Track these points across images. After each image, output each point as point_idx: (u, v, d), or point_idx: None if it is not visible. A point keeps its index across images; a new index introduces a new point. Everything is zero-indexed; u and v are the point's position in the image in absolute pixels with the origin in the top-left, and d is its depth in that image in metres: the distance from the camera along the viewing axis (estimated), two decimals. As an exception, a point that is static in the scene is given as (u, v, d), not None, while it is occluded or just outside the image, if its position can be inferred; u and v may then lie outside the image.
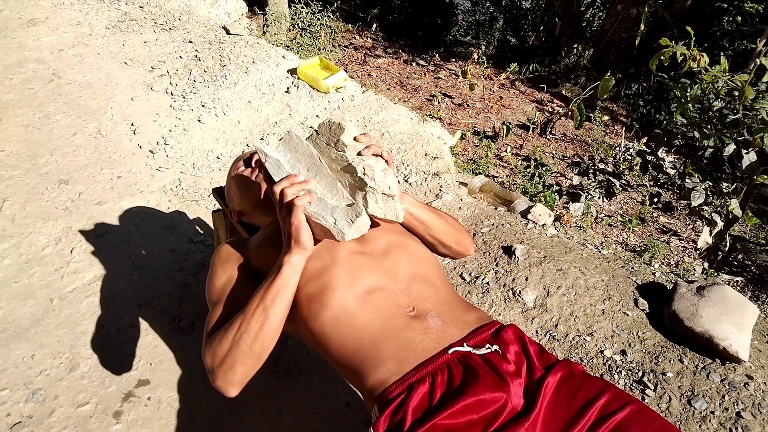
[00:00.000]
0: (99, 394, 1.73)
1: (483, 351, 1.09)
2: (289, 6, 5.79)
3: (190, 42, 4.02)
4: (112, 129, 3.06)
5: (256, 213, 1.43)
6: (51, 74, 3.44)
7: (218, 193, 1.89)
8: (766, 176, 2.73)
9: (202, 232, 2.49)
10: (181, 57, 3.83)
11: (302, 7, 5.64)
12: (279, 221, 1.16)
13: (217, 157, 3.03)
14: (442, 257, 1.51)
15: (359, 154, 1.16)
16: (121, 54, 3.79)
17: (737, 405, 1.82)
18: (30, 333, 1.90)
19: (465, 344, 1.10)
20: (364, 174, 1.13)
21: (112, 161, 2.82)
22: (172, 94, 3.45)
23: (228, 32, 4.24)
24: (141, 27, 4.16)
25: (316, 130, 1.21)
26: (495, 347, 1.10)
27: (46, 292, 2.06)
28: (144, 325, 1.99)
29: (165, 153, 2.95)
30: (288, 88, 3.66)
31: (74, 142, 2.90)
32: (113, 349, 1.88)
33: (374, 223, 1.23)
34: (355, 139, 1.18)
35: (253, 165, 1.45)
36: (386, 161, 1.19)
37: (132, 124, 3.12)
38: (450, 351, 1.08)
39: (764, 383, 1.91)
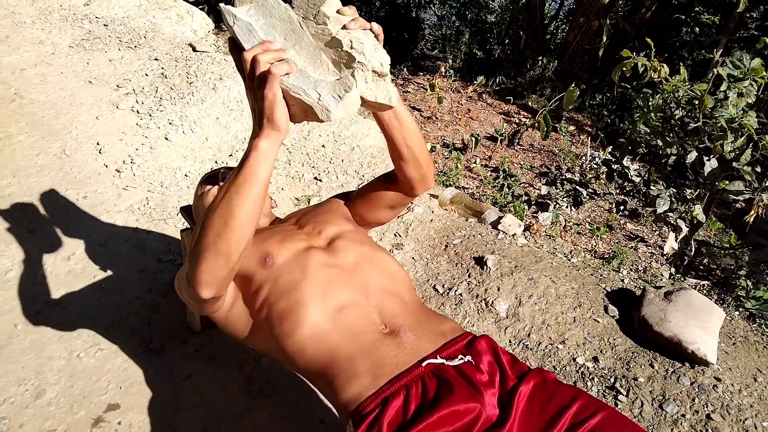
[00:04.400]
0: (67, 420, 1.69)
1: (456, 362, 1.09)
2: (256, 22, 5.79)
3: (156, 60, 3.99)
4: (77, 149, 3.01)
5: None
6: (13, 94, 3.37)
7: (186, 211, 1.87)
8: (727, 182, 2.80)
9: (171, 251, 2.45)
10: (147, 75, 3.79)
11: (269, 24, 5.64)
12: (248, 98, 1.00)
13: (186, 175, 3.00)
14: (405, 186, 1.38)
15: (344, 27, 0.99)
16: (85, 73, 3.73)
17: (707, 407, 1.86)
18: (-7, 360, 1.84)
19: (438, 356, 1.10)
20: (352, 48, 0.97)
21: (78, 181, 2.77)
22: (138, 112, 3.41)
23: (194, 49, 4.21)
24: (106, 45, 4.11)
25: (290, 2, 1.01)
26: (468, 358, 1.11)
27: (10, 317, 2.00)
28: (113, 347, 1.95)
29: (132, 172, 2.91)
30: (256, 104, 3.65)
31: (38, 162, 2.84)
32: (81, 373, 1.84)
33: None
34: (338, 11, 1.00)
35: (221, 183, 1.43)
36: (376, 36, 1.03)
37: (97, 144, 3.07)
38: (424, 364, 1.08)
39: (732, 385, 1.95)
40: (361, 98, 0.99)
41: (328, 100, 0.94)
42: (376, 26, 1.03)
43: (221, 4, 1.00)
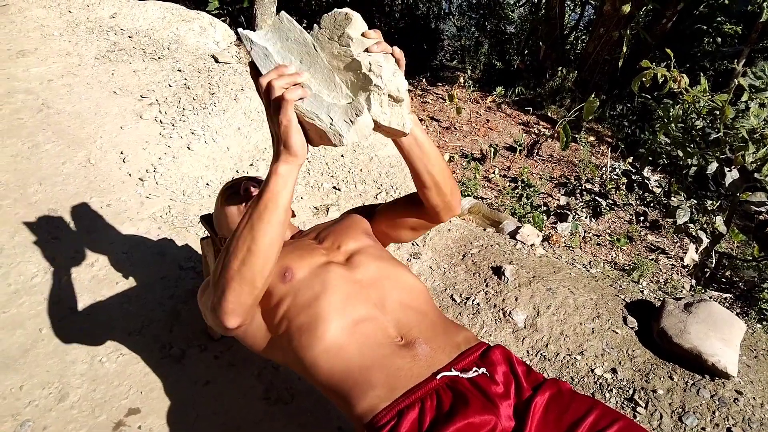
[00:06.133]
0: (89, 424, 1.72)
1: (471, 374, 1.09)
2: (277, 34, 5.86)
3: (179, 71, 4.06)
4: (102, 158, 3.07)
5: None
6: (40, 104, 3.46)
7: (206, 220, 1.89)
8: (749, 193, 2.77)
9: (192, 258, 2.49)
10: (170, 85, 3.86)
11: (290, 35, 5.71)
12: (268, 123, 1.02)
13: (207, 184, 3.04)
14: (430, 212, 1.37)
15: (366, 50, 0.99)
16: (110, 83, 3.81)
17: (727, 421, 1.83)
18: (18, 363, 1.88)
19: (453, 369, 1.10)
20: (370, 70, 0.97)
21: (102, 189, 2.83)
22: (161, 122, 3.47)
23: (217, 60, 4.28)
24: (130, 56, 4.19)
25: (317, 23, 1.01)
26: (482, 370, 1.11)
27: (35, 322, 2.05)
28: (134, 353, 1.98)
29: (154, 180, 2.96)
30: (277, 115, 3.69)
31: (63, 171, 2.91)
32: (103, 378, 1.87)
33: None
34: (362, 35, 0.99)
35: (242, 192, 1.45)
36: (397, 60, 1.04)
37: (121, 153, 3.13)
38: (438, 376, 1.08)
39: (753, 398, 1.92)
40: (375, 122, 0.99)
41: (340, 124, 0.95)
42: (398, 51, 1.04)
43: (239, 30, 1.01)
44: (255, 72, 1.00)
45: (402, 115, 1.04)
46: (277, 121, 0.96)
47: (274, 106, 0.96)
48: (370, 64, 0.97)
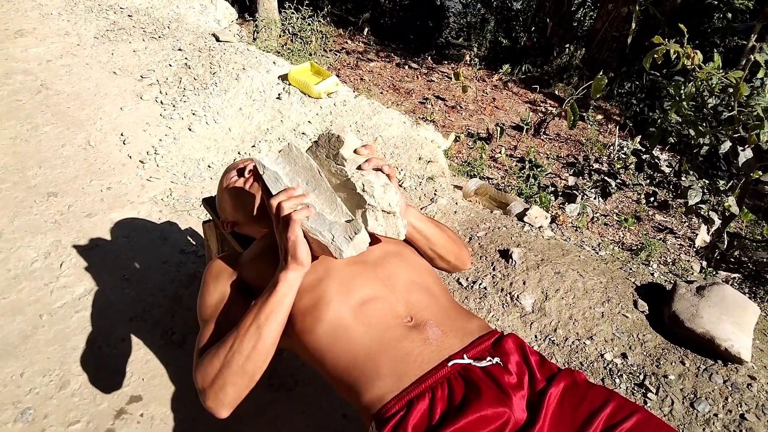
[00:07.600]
0: (90, 412, 1.69)
1: (484, 363, 1.05)
2: (280, 12, 5.76)
3: (180, 50, 3.99)
4: (102, 139, 3.02)
5: (250, 224, 1.40)
6: (39, 85, 3.40)
7: (209, 203, 1.85)
8: (761, 172, 2.71)
9: (194, 242, 2.45)
10: (170, 65, 3.80)
11: (292, 13, 5.62)
12: (276, 235, 1.11)
13: (209, 166, 2.99)
14: (439, 269, 1.47)
15: (359, 168, 1.12)
16: (110, 63, 3.75)
17: (741, 407, 1.80)
18: (19, 350, 1.86)
19: (465, 356, 1.06)
20: (363, 191, 1.10)
21: (102, 172, 2.79)
22: (161, 102, 3.41)
23: (218, 39, 4.21)
24: (130, 36, 4.12)
25: (315, 142, 1.17)
26: (496, 359, 1.07)
27: (35, 308, 2.02)
28: (135, 339, 1.95)
29: (155, 163, 2.92)
30: (279, 95, 3.63)
31: (63, 153, 2.86)
32: (104, 365, 1.84)
33: (374, 240, 1.18)
34: (355, 151, 1.15)
35: (246, 174, 1.41)
36: (388, 176, 1.15)
37: (121, 134, 3.08)
38: (450, 364, 1.04)
39: (767, 384, 1.88)
40: (371, 233, 1.11)
41: (340, 241, 1.06)
42: (386, 168, 1.15)
43: (254, 155, 1.14)
44: (267, 193, 1.12)
45: (396, 224, 1.15)
46: (286, 237, 1.06)
47: (282, 223, 1.06)
48: (363, 184, 1.10)
